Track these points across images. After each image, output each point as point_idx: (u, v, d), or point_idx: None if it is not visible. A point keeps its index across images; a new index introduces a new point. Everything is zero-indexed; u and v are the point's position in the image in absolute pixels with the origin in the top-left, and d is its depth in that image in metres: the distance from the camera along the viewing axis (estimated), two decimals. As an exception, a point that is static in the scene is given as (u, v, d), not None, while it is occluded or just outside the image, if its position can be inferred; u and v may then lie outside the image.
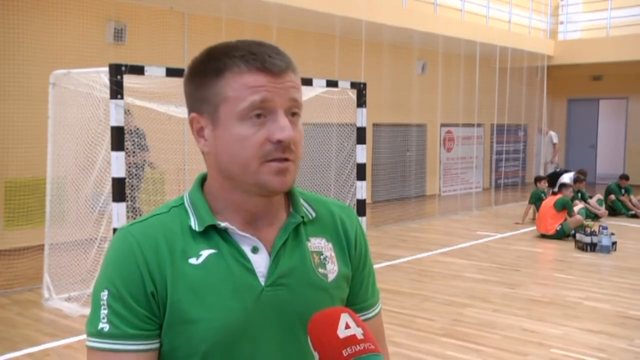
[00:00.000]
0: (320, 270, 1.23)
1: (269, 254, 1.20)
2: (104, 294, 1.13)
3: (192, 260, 1.16)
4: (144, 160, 7.05)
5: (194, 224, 1.19)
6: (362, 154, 7.33)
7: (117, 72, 5.09)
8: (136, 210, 6.69)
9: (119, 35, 8.90)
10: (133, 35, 9.02)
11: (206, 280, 1.15)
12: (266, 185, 1.15)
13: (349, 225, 1.32)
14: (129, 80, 5.34)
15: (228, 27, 9.54)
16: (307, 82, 6.86)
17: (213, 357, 1.14)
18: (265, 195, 1.18)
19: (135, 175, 6.79)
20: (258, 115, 1.13)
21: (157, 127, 6.64)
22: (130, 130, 6.47)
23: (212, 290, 1.14)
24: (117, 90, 5.08)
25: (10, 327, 5.34)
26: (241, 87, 1.13)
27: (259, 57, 1.14)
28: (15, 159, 7.65)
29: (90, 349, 1.14)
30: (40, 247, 6.57)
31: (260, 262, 1.19)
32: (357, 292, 1.32)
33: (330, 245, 1.28)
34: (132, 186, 6.76)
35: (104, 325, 1.12)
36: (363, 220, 7.42)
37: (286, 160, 1.15)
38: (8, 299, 6.15)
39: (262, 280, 1.18)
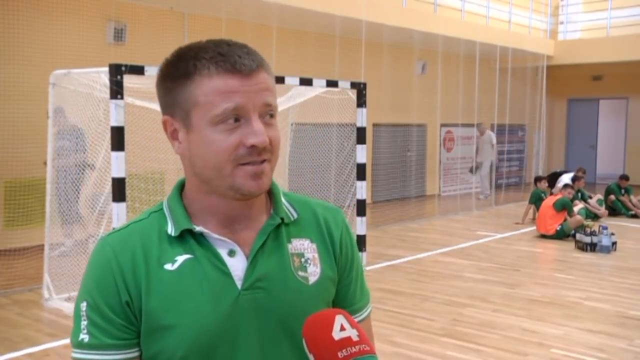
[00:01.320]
0: (300, 273, 1.21)
1: (247, 257, 1.18)
2: (83, 305, 1.15)
3: (168, 266, 1.15)
4: (84, 162, 6.79)
5: (170, 229, 1.18)
6: (362, 154, 7.33)
7: (117, 72, 5.09)
8: (78, 214, 6.55)
9: (119, 35, 8.89)
10: (133, 35, 9.02)
11: (181, 286, 1.14)
12: (241, 189, 1.14)
13: (334, 226, 1.29)
14: (129, 80, 5.34)
15: (228, 27, 9.54)
16: (307, 82, 6.86)
17: None
18: (241, 199, 1.17)
19: (75, 177, 6.56)
20: (231, 120, 1.12)
21: (157, 127, 6.64)
22: (64, 130, 6.34)
23: (187, 295, 1.14)
24: (117, 90, 5.08)
25: (10, 327, 5.34)
26: (212, 91, 1.11)
27: (228, 58, 1.12)
28: (15, 159, 7.64)
29: None
30: (40, 247, 6.57)
31: (237, 265, 1.17)
32: (345, 294, 1.30)
33: (314, 246, 1.25)
34: (65, 189, 6.62)
35: (84, 336, 1.14)
36: (363, 220, 7.42)
37: (262, 162, 1.14)
38: (8, 299, 6.15)
39: (239, 284, 1.16)
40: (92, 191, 6.06)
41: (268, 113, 1.15)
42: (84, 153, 6.69)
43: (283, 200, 1.27)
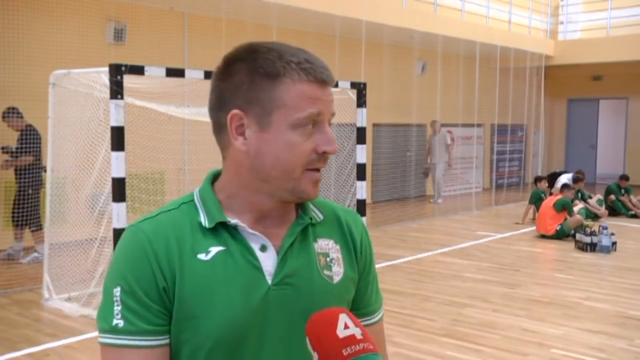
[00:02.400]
0: (326, 272, 1.24)
1: (277, 253, 1.21)
2: (117, 290, 1.14)
3: (201, 256, 1.17)
4: (38, 165, 6.64)
5: (203, 220, 1.20)
6: (362, 154, 7.33)
7: (117, 72, 5.08)
8: (35, 218, 6.43)
9: (119, 35, 8.90)
10: (133, 35, 9.02)
11: (214, 277, 1.16)
12: (302, 193, 1.19)
13: (355, 229, 1.33)
14: (129, 80, 5.34)
15: (228, 27, 9.53)
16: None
17: (218, 353, 1.15)
18: (293, 201, 1.22)
19: (32, 180, 6.43)
20: (310, 126, 1.17)
21: (157, 127, 6.65)
22: (22, 130, 6.27)
23: (219, 286, 1.15)
24: (117, 90, 5.08)
25: (10, 327, 5.34)
26: (299, 96, 1.15)
27: (315, 67, 1.17)
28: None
29: (105, 345, 1.14)
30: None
31: (267, 260, 1.20)
32: (362, 296, 1.33)
33: (337, 247, 1.29)
34: (26, 192, 6.55)
35: (119, 322, 1.13)
36: (363, 220, 7.41)
37: (319, 170, 1.19)
38: (8, 299, 6.15)
39: (269, 279, 1.19)
40: (91, 191, 6.06)
41: (330, 124, 1.21)
42: (37, 155, 6.57)
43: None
